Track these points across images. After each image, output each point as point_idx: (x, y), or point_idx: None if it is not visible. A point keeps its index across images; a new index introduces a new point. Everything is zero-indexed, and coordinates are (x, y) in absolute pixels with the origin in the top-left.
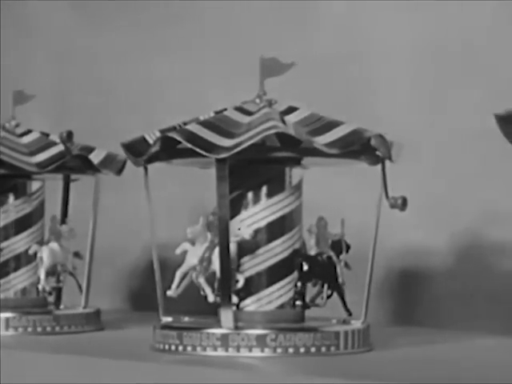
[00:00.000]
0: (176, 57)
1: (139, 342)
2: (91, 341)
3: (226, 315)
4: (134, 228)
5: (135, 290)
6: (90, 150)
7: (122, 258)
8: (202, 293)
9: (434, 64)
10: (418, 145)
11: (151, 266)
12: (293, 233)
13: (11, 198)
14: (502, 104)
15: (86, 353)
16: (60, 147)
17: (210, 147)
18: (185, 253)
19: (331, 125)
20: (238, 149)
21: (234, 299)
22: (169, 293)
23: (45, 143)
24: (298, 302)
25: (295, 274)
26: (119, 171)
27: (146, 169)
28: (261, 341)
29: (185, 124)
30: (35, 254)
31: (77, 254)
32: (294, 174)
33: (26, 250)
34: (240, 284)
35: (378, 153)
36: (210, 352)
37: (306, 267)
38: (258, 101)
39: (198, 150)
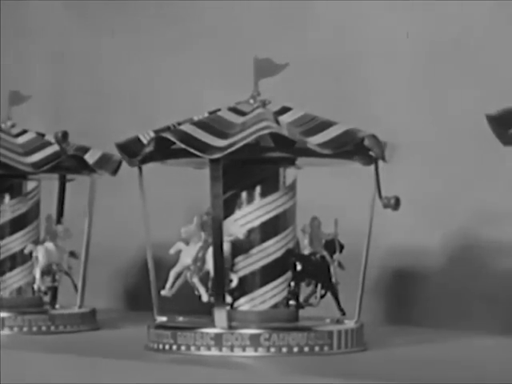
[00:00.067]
0: (171, 58)
1: (134, 341)
2: (86, 340)
3: (220, 315)
4: (130, 228)
5: (131, 289)
6: (86, 150)
7: (117, 257)
8: (196, 292)
9: (429, 64)
10: (412, 145)
11: (147, 266)
12: (286, 232)
13: (7, 197)
14: (498, 105)
15: (80, 352)
16: (55, 147)
17: (204, 147)
18: (179, 252)
19: (324, 125)
20: (232, 149)
21: (228, 299)
22: (163, 292)
23: (40, 143)
24: (292, 302)
25: (289, 274)
26: (114, 171)
27: (140, 169)
28: (254, 340)
29: (179, 124)
30: (30, 253)
31: (72, 254)
32: (288, 174)
33: (22, 250)
34: (234, 284)
35: (371, 153)
36: (203, 351)
37: (299, 267)
38: (251, 101)
39: (191, 150)
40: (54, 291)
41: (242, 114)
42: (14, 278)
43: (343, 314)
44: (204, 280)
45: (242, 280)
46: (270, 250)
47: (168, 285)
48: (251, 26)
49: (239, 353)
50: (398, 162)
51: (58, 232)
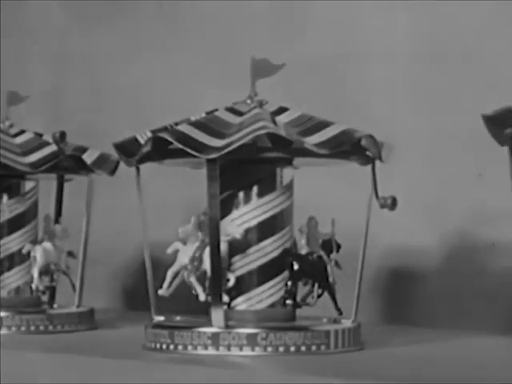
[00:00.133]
0: (170, 58)
1: (132, 341)
2: (84, 340)
3: (217, 314)
4: (127, 228)
5: (129, 289)
6: (83, 150)
7: (115, 257)
8: (193, 292)
9: (427, 65)
10: (410, 145)
11: (144, 266)
12: (283, 232)
13: (5, 197)
14: (495, 105)
15: (78, 352)
16: (53, 147)
17: (201, 147)
18: (176, 252)
19: (321, 125)
20: (229, 149)
21: (225, 298)
22: (160, 292)
23: (38, 143)
24: (289, 301)
25: (286, 274)
26: (112, 171)
27: (137, 169)
28: (251, 340)
29: (176, 124)
30: (29, 253)
31: (70, 254)
32: (285, 174)
33: (20, 250)
34: (231, 283)
35: (368, 153)
36: (200, 351)
37: (296, 266)
38: (249, 101)
39: (188, 150)
40: (52, 291)
41: (239, 114)
42: (12, 278)
43: (340, 313)
44: (201, 279)
45: (239, 279)
46: (267, 250)
47: (165, 284)
48: (248, 26)
49: (236, 352)
50: (396, 162)
51: (56, 232)
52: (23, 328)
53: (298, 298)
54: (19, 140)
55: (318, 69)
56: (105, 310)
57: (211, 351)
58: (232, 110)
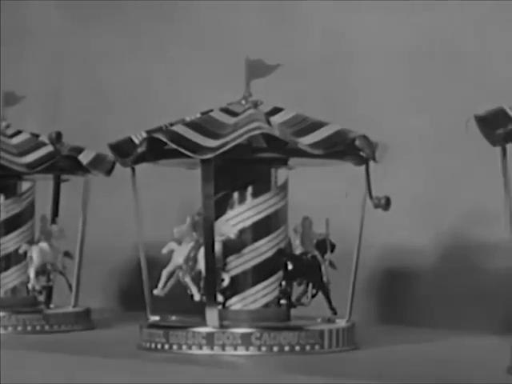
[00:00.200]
0: (166, 58)
1: (127, 340)
2: (80, 340)
3: (212, 314)
4: (123, 228)
5: (125, 289)
6: (80, 150)
7: (111, 257)
8: (188, 292)
9: (419, 65)
10: (404, 145)
11: (140, 266)
12: (278, 232)
13: (1, 198)
14: (487, 104)
15: (74, 352)
16: (50, 148)
17: (195, 148)
18: (171, 252)
19: (316, 125)
20: (223, 149)
21: (220, 298)
22: (155, 292)
23: (35, 144)
24: (283, 301)
25: (280, 274)
26: (109, 172)
27: (133, 169)
28: (246, 339)
29: (171, 125)
30: (25, 253)
31: (67, 254)
32: (280, 174)
33: (16, 250)
34: (225, 283)
35: (362, 153)
36: (195, 350)
37: (290, 266)
38: (243, 102)
39: (182, 150)
40: (48, 291)
41: (234, 114)
42: (9, 278)
43: (334, 313)
44: (196, 279)
45: (233, 279)
46: (261, 250)
47: (160, 284)
48: (243, 27)
49: (230, 352)
50: (391, 162)
51: (53, 232)
52: (20, 328)
53: (293, 298)
54: (16, 140)
55: (310, 69)
56: (101, 309)
57: (206, 351)
58: (227, 111)
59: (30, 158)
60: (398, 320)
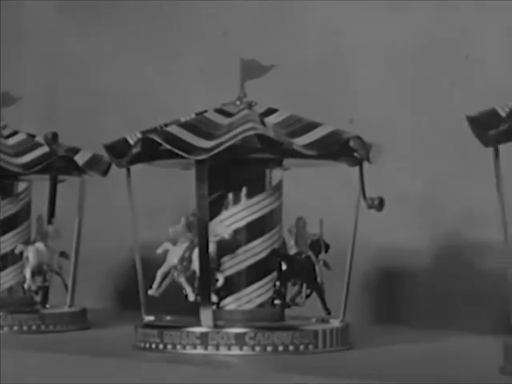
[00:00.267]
0: (161, 59)
1: (123, 340)
2: (76, 339)
3: (206, 314)
4: (119, 228)
5: (121, 289)
6: (76, 151)
7: (107, 257)
8: (183, 292)
9: (415, 65)
10: (400, 146)
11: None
12: (272, 233)
13: None
14: (483, 104)
15: (70, 351)
16: (46, 148)
17: (189, 148)
18: (166, 252)
19: (310, 126)
20: (217, 150)
21: (214, 298)
22: (150, 292)
23: (31, 144)
24: (277, 301)
25: (274, 274)
26: (105, 172)
27: (128, 170)
28: (240, 339)
29: (166, 125)
30: (21, 253)
31: (63, 254)
32: (274, 175)
33: (12, 250)
34: (220, 283)
35: (356, 154)
36: (189, 350)
37: (284, 267)
38: (238, 103)
39: (177, 151)
40: (44, 291)
41: (229, 115)
42: (5, 278)
43: (328, 313)
44: (191, 280)
45: (227, 279)
46: (255, 250)
47: (155, 284)
48: (238, 27)
49: (224, 351)
50: (386, 163)
51: (49, 232)
52: (16, 328)
53: (287, 298)
54: (12, 141)
55: (305, 70)
56: (97, 309)
57: (200, 350)
58: (221, 111)
59: (27, 158)
60: (393, 320)
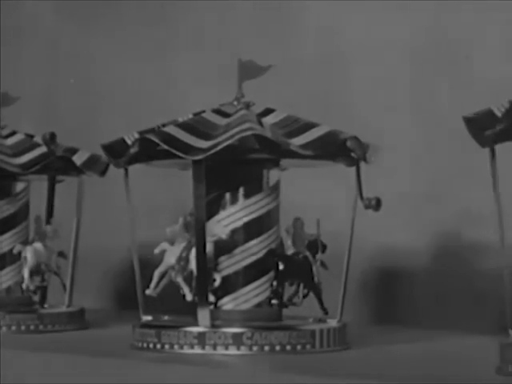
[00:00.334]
0: (159, 59)
1: (120, 340)
2: (74, 339)
3: (203, 314)
4: (117, 228)
5: (119, 289)
6: (74, 151)
7: (105, 257)
8: (181, 292)
9: (412, 65)
10: (398, 146)
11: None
12: (270, 233)
13: None
14: (483, 104)
15: (68, 351)
16: (44, 149)
17: (187, 149)
18: (164, 252)
19: (307, 126)
20: (214, 150)
21: (211, 298)
22: (147, 292)
23: (29, 145)
24: (275, 301)
25: (271, 274)
26: (103, 172)
27: (126, 170)
28: (237, 339)
29: (163, 126)
30: (19, 253)
31: (61, 254)
32: (272, 175)
33: (11, 250)
34: (217, 283)
35: (353, 155)
36: (187, 350)
37: (281, 267)
38: (235, 103)
39: (174, 151)
40: (43, 291)
41: (226, 115)
42: (4, 278)
43: (326, 313)
44: (188, 279)
45: (225, 279)
46: (253, 250)
47: (152, 284)
48: (235, 28)
49: (222, 351)
50: (384, 163)
51: (47, 232)
52: (14, 327)
53: (285, 298)
54: (10, 141)
55: (302, 70)
56: (95, 309)
57: (197, 350)
58: (219, 112)
59: (25, 158)
60: (390, 320)
